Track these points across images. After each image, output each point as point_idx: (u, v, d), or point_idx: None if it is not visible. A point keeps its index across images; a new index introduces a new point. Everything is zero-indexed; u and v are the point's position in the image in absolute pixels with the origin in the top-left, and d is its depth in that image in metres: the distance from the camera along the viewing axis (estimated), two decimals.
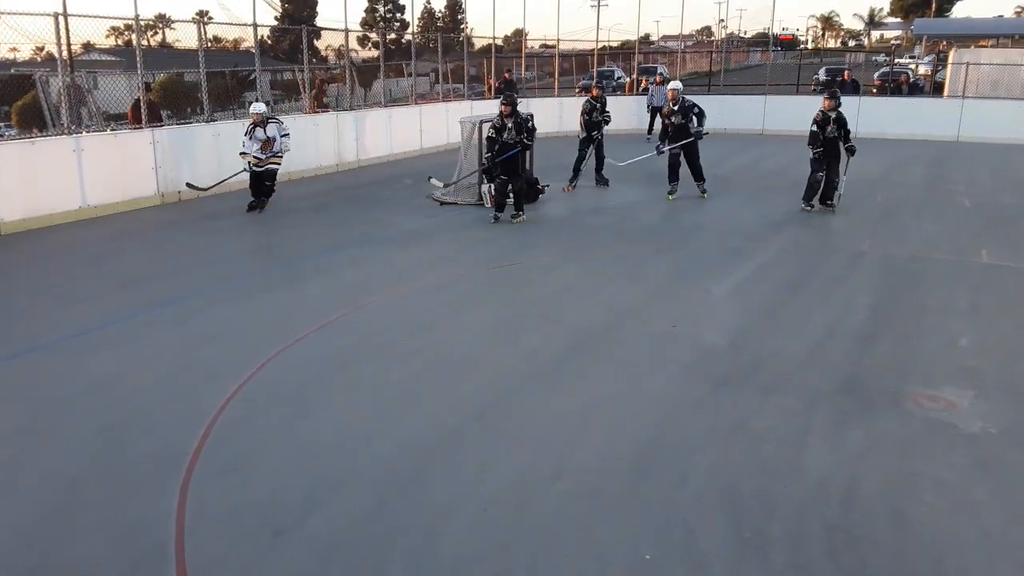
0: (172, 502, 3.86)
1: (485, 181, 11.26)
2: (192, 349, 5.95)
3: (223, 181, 11.74)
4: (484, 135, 10.69)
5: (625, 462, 4.27)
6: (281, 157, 11.07)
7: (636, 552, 3.51)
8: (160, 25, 32.46)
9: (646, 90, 21.35)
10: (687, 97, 11.84)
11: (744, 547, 3.53)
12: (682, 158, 11.80)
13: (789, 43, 52.82)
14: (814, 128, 10.58)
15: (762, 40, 50.53)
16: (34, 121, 14.81)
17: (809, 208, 10.89)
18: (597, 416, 4.84)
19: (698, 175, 11.98)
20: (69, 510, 3.84)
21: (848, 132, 10.59)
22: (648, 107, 19.80)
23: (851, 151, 10.59)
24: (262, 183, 11.01)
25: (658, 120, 13.91)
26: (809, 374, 5.45)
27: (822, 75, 29.12)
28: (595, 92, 13.46)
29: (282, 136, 10.97)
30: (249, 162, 10.88)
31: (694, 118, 11.55)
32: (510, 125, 10.18)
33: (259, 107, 11.11)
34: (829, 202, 10.84)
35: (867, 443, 4.47)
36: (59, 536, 3.62)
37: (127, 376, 5.46)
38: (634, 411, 4.92)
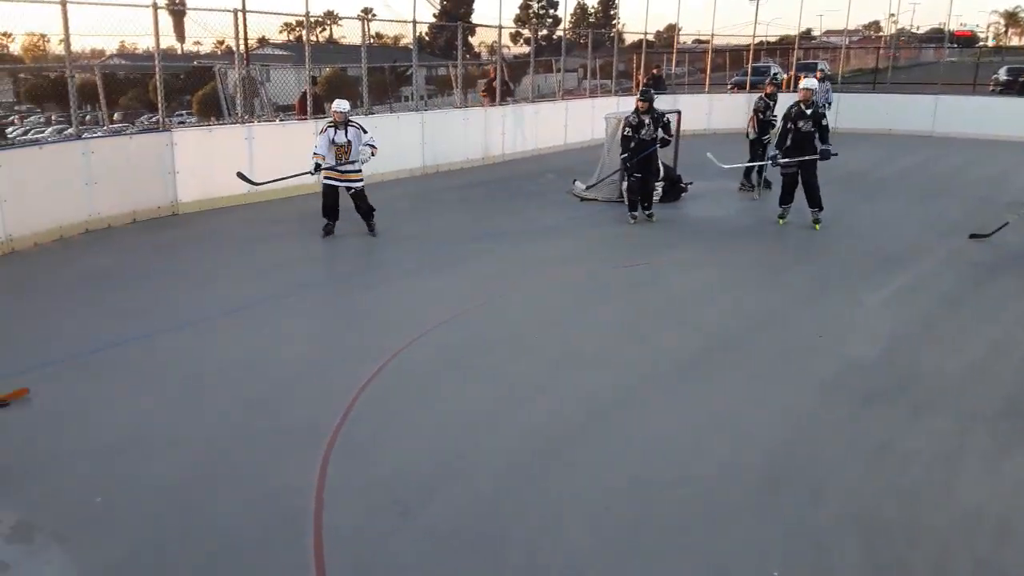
0: (311, 475, 4.09)
1: (626, 178, 11.13)
2: (335, 331, 6.28)
3: (281, 179, 9.70)
4: (621, 133, 10.45)
5: (755, 474, 4.11)
6: (360, 171, 9.13)
7: (761, 568, 3.38)
8: (328, 22, 34.26)
9: None
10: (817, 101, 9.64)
11: (881, 574, 3.32)
12: (799, 176, 9.60)
13: (967, 40, 48.64)
14: None
15: (936, 36, 46.86)
16: (212, 110, 16.11)
17: None
18: (727, 424, 4.69)
19: (815, 200, 9.64)
20: (217, 475, 4.14)
21: None
22: None
23: None
24: (339, 202, 9.10)
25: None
26: (967, 395, 5.04)
27: (1002, 75, 26.69)
28: (769, 89, 12.61)
29: (363, 145, 8.94)
30: (318, 164, 8.89)
31: (819, 132, 9.40)
32: (647, 122, 9.96)
33: (343, 105, 9.04)
34: None
35: None
36: (206, 499, 3.92)
37: (275, 352, 5.84)
38: (768, 422, 4.72)
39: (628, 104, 17.63)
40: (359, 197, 9.16)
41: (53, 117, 18.34)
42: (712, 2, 23.01)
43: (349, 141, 8.92)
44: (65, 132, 11.80)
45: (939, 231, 9.63)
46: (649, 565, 3.41)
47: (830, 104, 18.45)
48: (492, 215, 10.83)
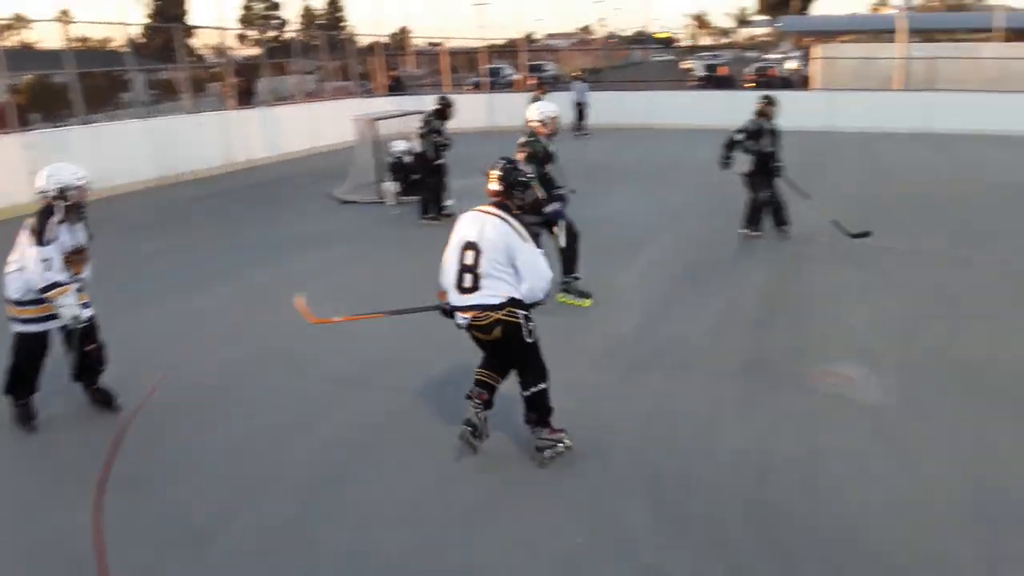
0: (86, 515, 3.74)
1: (384, 179, 11.18)
2: None
3: None
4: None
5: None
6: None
7: (565, 537, 3.57)
8: (19, 25, 30.26)
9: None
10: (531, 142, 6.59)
11: (668, 526, 3.64)
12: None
13: (666, 40, 54.50)
14: None
15: (641, 38, 51.92)
16: None
17: None
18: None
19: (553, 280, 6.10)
20: None
21: None
22: (574, 104, 20.00)
23: None
24: (81, 349, 4.67)
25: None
26: (712, 357, 5.64)
27: (700, 70, 30.24)
28: (544, 91, 12.78)
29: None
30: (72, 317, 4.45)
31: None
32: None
33: (75, 175, 4.53)
34: None
35: (775, 419, 4.67)
36: None
37: None
38: (554, 394, 4.93)
39: (372, 105, 17.53)
40: (90, 335, 4.74)
41: None
42: (438, 7, 23.64)
43: (92, 236, 4.74)
44: None
45: (669, 215, 10.64)
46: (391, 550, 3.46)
47: (587, 103, 20.01)
48: (248, 224, 10.28)
